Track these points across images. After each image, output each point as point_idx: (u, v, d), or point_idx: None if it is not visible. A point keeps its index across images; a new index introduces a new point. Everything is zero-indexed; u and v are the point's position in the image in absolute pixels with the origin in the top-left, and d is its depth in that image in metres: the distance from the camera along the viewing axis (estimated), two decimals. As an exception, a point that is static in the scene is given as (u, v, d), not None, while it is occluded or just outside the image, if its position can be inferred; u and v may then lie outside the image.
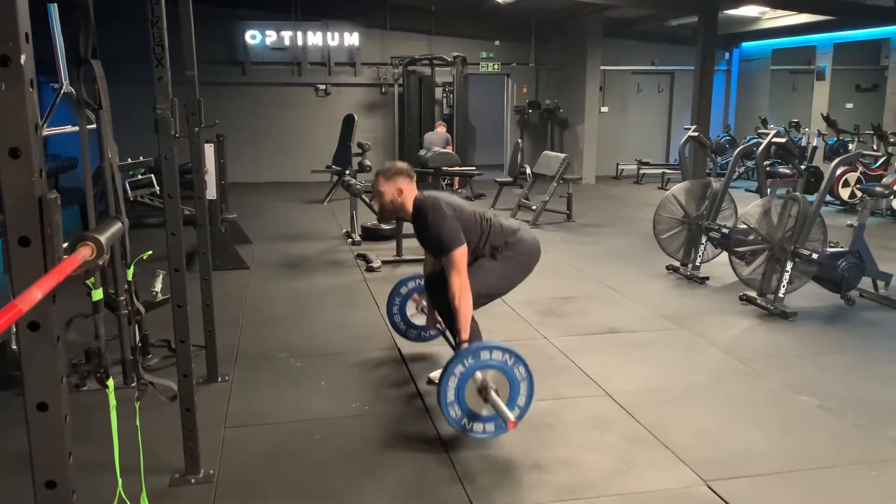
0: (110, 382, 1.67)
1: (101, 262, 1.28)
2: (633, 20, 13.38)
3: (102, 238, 1.34)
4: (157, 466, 2.99)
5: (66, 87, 3.94)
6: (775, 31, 13.07)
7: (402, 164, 3.66)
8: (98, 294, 1.59)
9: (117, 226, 1.47)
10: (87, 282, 1.30)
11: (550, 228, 8.72)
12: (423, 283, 4.16)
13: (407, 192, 3.58)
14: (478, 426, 3.17)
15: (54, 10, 3.88)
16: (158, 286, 4.18)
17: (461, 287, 3.34)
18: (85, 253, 1.30)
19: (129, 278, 1.89)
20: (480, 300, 3.58)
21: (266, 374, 4.09)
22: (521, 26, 13.74)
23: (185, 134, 2.70)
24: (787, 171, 5.86)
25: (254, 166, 13.00)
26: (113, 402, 1.63)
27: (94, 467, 2.96)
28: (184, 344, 2.85)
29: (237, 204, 10.10)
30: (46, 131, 3.89)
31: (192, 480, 2.91)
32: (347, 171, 8.37)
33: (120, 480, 1.73)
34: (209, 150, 6.42)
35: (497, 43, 13.88)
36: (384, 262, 6.68)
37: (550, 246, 7.67)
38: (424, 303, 4.20)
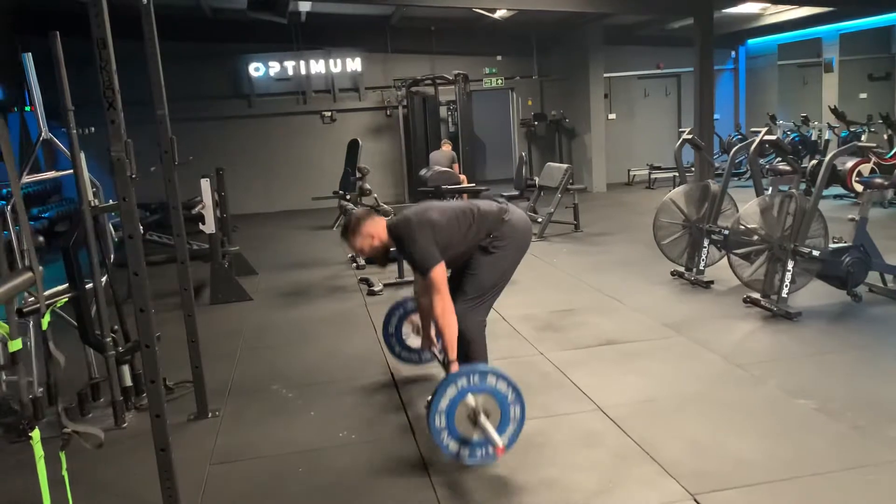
0: (35, 434, 1.65)
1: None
2: (634, 25, 13.31)
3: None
4: (139, 508, 2.99)
5: (46, 133, 4.01)
6: (779, 26, 12.91)
7: (355, 213, 3.67)
8: (15, 345, 1.57)
9: (24, 277, 1.46)
10: (2, 332, 1.28)
11: (557, 240, 8.65)
12: (417, 303, 4.14)
13: (376, 230, 3.56)
14: (465, 450, 3.10)
15: (29, 60, 3.94)
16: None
17: (444, 306, 3.31)
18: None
19: (44, 328, 1.87)
20: (489, 295, 3.56)
21: (257, 407, 4.08)
22: (521, 39, 13.75)
23: (138, 175, 2.70)
24: (787, 167, 5.73)
25: (264, 196, 13.12)
26: (39, 452, 1.62)
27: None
28: (154, 385, 2.83)
29: (247, 235, 10.21)
30: (26, 178, 3.95)
31: (171, 521, 2.89)
32: (348, 196, 8.38)
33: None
34: (206, 184, 6.47)
35: (499, 58, 13.89)
36: (386, 285, 6.66)
37: (555, 258, 7.60)
38: (420, 323, 4.16)
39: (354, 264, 7.79)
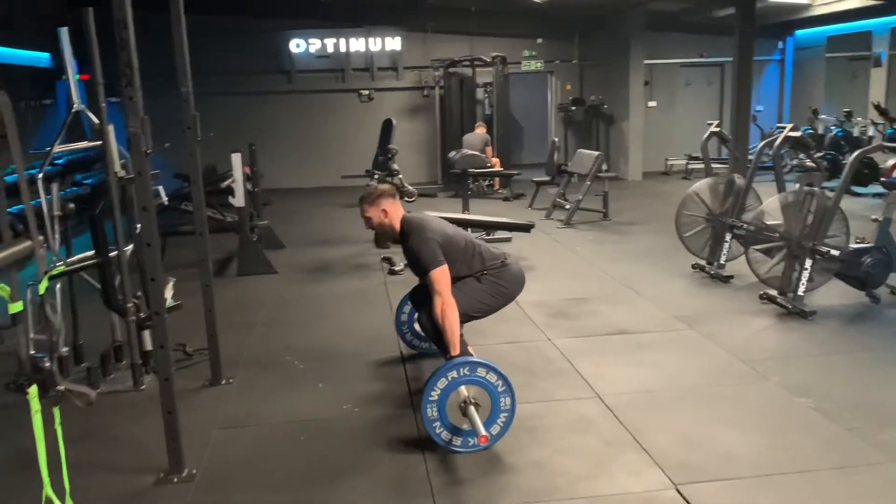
0: (32, 390, 1.79)
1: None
2: (678, 13, 13.08)
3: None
4: (149, 466, 3.15)
5: (78, 105, 4.17)
6: (829, 18, 12.55)
7: (383, 186, 3.81)
8: (16, 307, 1.70)
9: (22, 245, 1.58)
10: (2, 294, 1.39)
11: (584, 228, 8.65)
12: None
13: (392, 211, 3.69)
14: (456, 440, 3.22)
15: (64, 34, 4.10)
16: (169, 293, 4.37)
17: (444, 305, 3.40)
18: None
19: (41, 292, 2.01)
20: (461, 318, 3.63)
21: (268, 377, 4.23)
22: (563, 23, 13.63)
23: (155, 149, 2.84)
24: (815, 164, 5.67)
25: (300, 172, 13.30)
26: (36, 406, 1.76)
27: (88, 466, 3.17)
28: (162, 350, 2.99)
29: (279, 209, 10.41)
30: (59, 148, 4.13)
31: (175, 479, 3.05)
32: (376, 175, 8.49)
33: (46, 481, 1.85)
34: (237, 159, 6.64)
35: (539, 41, 13.80)
36: (406, 265, 6.76)
37: (578, 245, 7.62)
38: None
39: (380, 243, 7.91)
